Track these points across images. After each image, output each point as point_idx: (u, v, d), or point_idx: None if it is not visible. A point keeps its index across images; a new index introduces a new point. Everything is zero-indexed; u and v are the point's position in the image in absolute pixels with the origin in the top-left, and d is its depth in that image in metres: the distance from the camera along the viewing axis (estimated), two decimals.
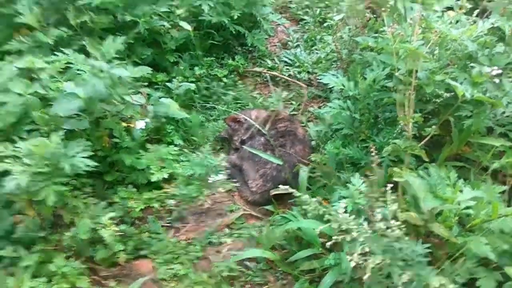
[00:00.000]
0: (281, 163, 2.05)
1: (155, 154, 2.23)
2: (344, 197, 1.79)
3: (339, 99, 2.19)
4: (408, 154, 1.77)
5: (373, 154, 1.61)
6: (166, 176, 2.16)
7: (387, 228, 1.40)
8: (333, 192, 2.01)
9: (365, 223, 1.36)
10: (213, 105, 2.86)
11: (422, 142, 1.76)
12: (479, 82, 1.58)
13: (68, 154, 1.76)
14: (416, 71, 1.78)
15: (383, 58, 1.89)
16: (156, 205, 2.08)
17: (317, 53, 3.19)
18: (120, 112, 1.97)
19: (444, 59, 1.82)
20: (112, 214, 1.86)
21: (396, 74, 1.75)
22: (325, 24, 3.36)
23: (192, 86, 2.65)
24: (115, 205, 2.13)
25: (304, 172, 2.05)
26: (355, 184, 1.76)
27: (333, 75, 2.18)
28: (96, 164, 1.80)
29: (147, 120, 2.14)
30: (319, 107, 2.80)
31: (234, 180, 2.38)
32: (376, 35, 2.10)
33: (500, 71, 1.57)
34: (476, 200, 1.44)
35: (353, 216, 1.33)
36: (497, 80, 1.58)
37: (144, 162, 2.15)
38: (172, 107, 2.21)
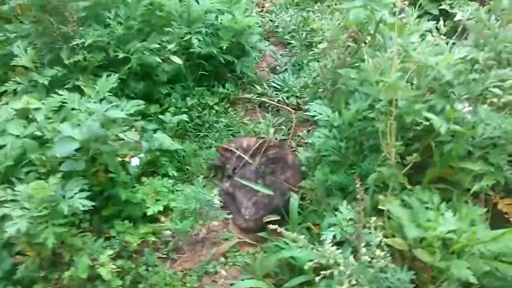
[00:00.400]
0: (271, 193, 2.12)
1: (150, 188, 2.30)
2: (332, 225, 1.86)
3: (325, 127, 2.28)
4: (392, 181, 1.85)
5: (358, 185, 1.69)
6: (161, 208, 2.23)
7: (373, 258, 1.47)
8: (323, 218, 2.09)
9: (351, 256, 1.43)
10: (206, 133, 2.94)
11: (405, 170, 1.84)
12: (452, 118, 1.68)
13: (66, 196, 1.83)
14: (397, 101, 1.88)
15: (365, 89, 1.99)
16: (152, 238, 2.14)
17: (304, 77, 3.29)
18: (115, 151, 2.04)
19: (424, 87, 1.91)
20: (109, 252, 1.92)
21: (377, 106, 1.84)
22: (311, 51, 3.46)
23: (184, 117, 2.74)
24: (112, 240, 2.19)
25: (295, 201, 2.12)
26: (342, 212, 1.84)
27: (319, 104, 2.27)
28: (93, 203, 1.87)
29: (142, 155, 2.21)
30: (308, 131, 2.89)
31: (227, 208, 2.45)
32: (358, 64, 2.19)
33: (470, 108, 1.67)
34: (455, 227, 1.52)
35: (339, 250, 1.40)
36: (469, 116, 1.67)
37: (139, 196, 2.21)
38: (166, 142, 2.29)
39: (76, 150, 2.01)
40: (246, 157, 2.52)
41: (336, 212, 1.88)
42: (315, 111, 2.11)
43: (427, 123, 1.90)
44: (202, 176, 2.69)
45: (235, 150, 2.58)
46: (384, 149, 1.88)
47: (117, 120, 2.01)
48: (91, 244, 2.02)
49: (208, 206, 1.99)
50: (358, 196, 1.68)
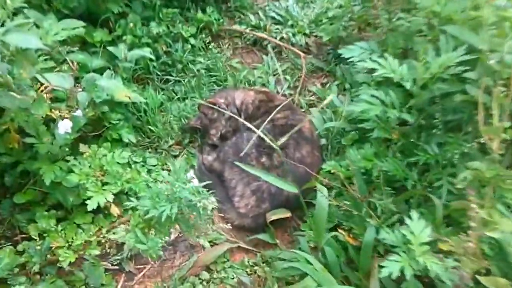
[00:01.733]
0: (295, 190, 1.40)
1: (92, 162, 1.50)
2: (392, 247, 1.22)
3: (368, 85, 1.56)
4: (494, 184, 1.20)
5: (471, 195, 1.02)
6: (110, 198, 1.45)
7: None
8: (362, 225, 1.44)
9: None
10: (177, 78, 2.12)
11: None
12: None
13: None
14: None
15: (457, 31, 1.25)
16: (94, 251, 1.38)
17: (314, 7, 2.49)
18: (27, 109, 1.20)
19: None
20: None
21: (491, 61, 1.13)
22: None
23: (147, 51, 1.87)
24: (31, 244, 1.42)
25: (322, 197, 1.42)
26: (413, 230, 1.18)
27: (364, 49, 1.53)
28: None
29: (78, 112, 1.38)
30: (322, 85, 2.15)
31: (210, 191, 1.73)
32: None
33: None
34: None
35: None
36: None
37: (73, 179, 1.42)
38: (118, 91, 1.46)
39: None
40: (241, 119, 1.76)
41: (400, 228, 1.22)
42: (373, 61, 1.35)
43: None
44: (172, 141, 1.92)
45: (225, 108, 1.81)
46: (484, 133, 1.20)
47: (31, 52, 1.15)
48: None
49: (192, 210, 1.23)
50: (471, 215, 1.02)
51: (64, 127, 1.28)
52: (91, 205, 1.40)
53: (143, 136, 1.90)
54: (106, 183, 1.50)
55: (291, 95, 2.09)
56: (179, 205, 1.16)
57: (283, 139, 1.23)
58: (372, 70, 1.58)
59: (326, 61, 2.22)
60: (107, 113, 1.67)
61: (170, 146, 1.90)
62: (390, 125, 1.51)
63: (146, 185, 1.60)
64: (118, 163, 1.54)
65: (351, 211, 1.47)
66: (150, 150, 1.89)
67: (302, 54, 2.20)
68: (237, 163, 1.55)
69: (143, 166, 1.79)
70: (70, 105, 1.51)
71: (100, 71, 1.78)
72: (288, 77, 2.15)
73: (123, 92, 1.43)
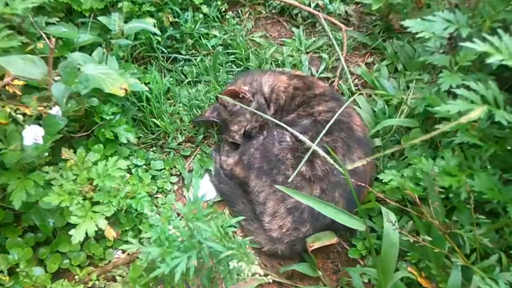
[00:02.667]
0: (362, 227, 1.02)
1: (79, 173, 1.14)
2: None
3: (449, 70, 1.16)
4: None
5: None
6: (102, 225, 1.09)
7: None
8: (441, 262, 1.08)
9: None
10: (188, 56, 1.72)
11: None
12: None
13: None
14: None
15: None
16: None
17: None
18: None
19: None
20: None
21: None
22: None
23: (149, 23, 1.46)
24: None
25: (394, 232, 1.04)
26: None
27: (446, 20, 1.13)
28: None
29: (56, 110, 1.01)
30: (368, 65, 1.74)
31: (232, 208, 1.38)
32: None
33: None
34: None
35: None
36: None
37: (51, 200, 1.05)
38: (110, 84, 1.07)
39: None
40: (268, 115, 1.39)
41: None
42: (485, 40, 0.94)
43: None
44: (181, 137, 1.54)
45: (250, 98, 1.42)
46: None
47: None
48: None
49: (218, 263, 0.86)
50: None
51: (32, 135, 0.91)
52: (77, 237, 1.04)
53: (146, 131, 1.52)
54: (97, 203, 1.14)
55: (328, 78, 1.70)
56: (198, 254, 0.80)
57: (356, 164, 0.85)
58: (454, 49, 1.19)
59: (372, 35, 1.80)
60: (99, 106, 1.29)
61: (179, 144, 1.53)
62: (478, 126, 1.12)
63: (150, 200, 1.25)
64: (109, 175, 1.16)
65: (420, 239, 1.11)
66: (154, 148, 1.52)
67: (343, 27, 1.78)
68: (264, 175, 1.19)
69: (146, 171, 1.43)
70: (48, 95, 1.14)
71: (90, 48, 1.41)
72: (324, 55, 1.74)
73: (117, 83, 1.04)
